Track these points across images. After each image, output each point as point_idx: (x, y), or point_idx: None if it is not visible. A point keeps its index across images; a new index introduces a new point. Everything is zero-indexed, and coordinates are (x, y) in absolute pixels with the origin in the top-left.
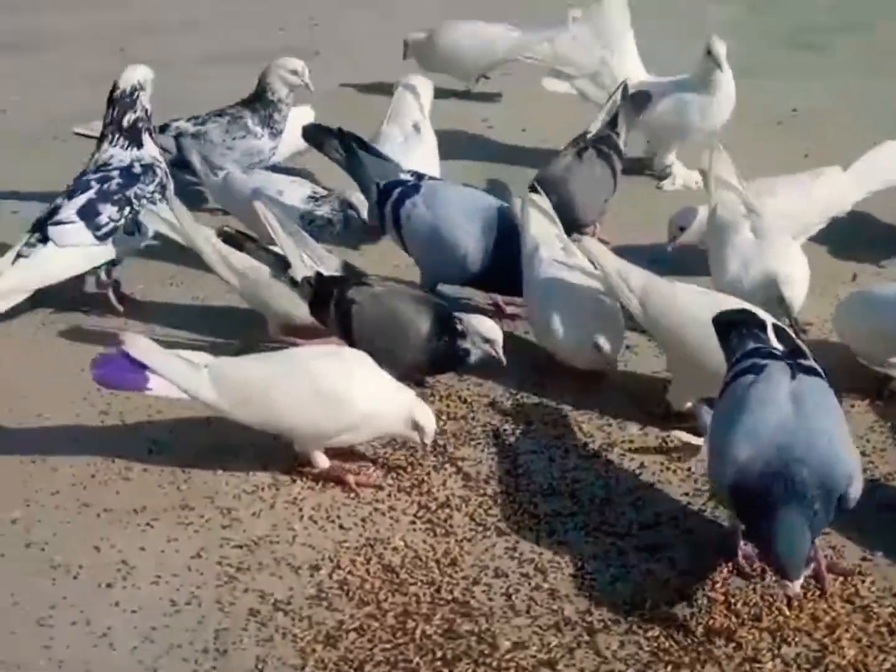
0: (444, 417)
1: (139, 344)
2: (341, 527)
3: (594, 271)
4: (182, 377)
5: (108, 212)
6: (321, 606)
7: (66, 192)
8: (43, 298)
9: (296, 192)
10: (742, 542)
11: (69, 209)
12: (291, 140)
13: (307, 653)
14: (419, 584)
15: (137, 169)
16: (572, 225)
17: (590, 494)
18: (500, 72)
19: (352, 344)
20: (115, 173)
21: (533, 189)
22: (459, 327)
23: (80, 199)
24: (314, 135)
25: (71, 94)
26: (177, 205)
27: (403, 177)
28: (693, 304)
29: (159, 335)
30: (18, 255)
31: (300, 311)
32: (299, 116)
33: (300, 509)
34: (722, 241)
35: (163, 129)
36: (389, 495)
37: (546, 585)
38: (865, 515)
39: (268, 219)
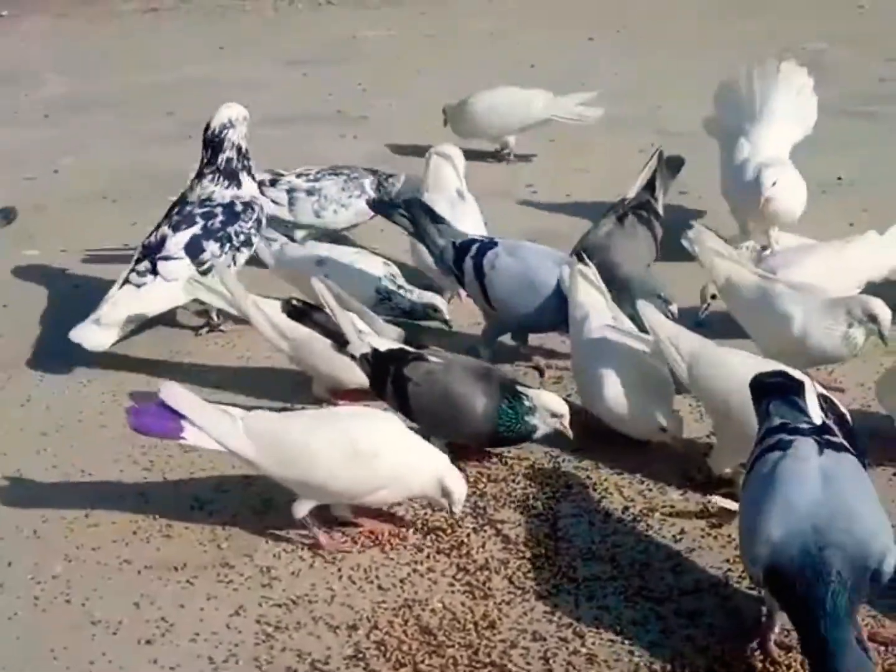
0: (483, 479)
1: (176, 392)
2: (380, 587)
3: (645, 338)
4: (216, 428)
5: (211, 248)
6: (358, 667)
7: (171, 221)
8: (88, 356)
9: (370, 265)
10: (777, 629)
11: (176, 244)
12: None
13: None
14: (457, 646)
15: (238, 207)
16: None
17: (629, 559)
18: (546, 138)
19: (413, 420)
20: (219, 210)
21: (579, 258)
22: (528, 403)
23: (186, 235)
24: (381, 205)
25: (121, 155)
26: (225, 273)
27: (477, 236)
28: (741, 370)
29: (204, 392)
30: (126, 282)
31: (347, 374)
32: None
33: (339, 569)
34: (747, 308)
35: (273, 182)
36: (428, 556)
37: (584, 650)
38: None
39: (324, 294)
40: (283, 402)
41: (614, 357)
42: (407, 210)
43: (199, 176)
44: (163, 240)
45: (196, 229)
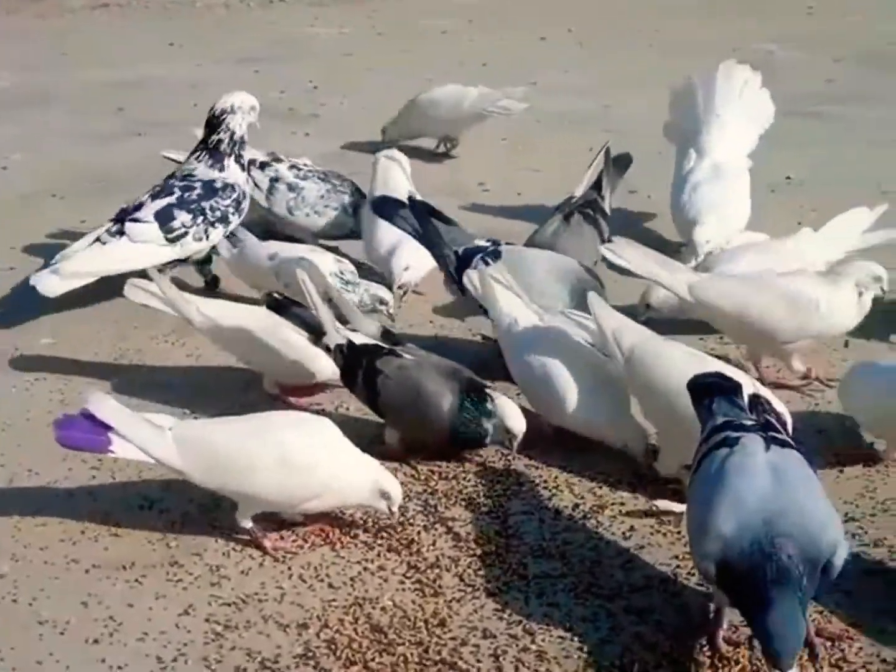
0: (434, 477)
1: (103, 404)
2: (330, 585)
3: (583, 336)
4: (144, 439)
5: (182, 218)
6: (308, 665)
7: (153, 191)
8: (35, 356)
9: (321, 261)
10: (725, 626)
11: (149, 210)
12: None
13: None
14: (407, 644)
15: (218, 184)
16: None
17: (579, 556)
18: (497, 137)
19: (378, 414)
20: (198, 184)
21: (485, 262)
22: (490, 406)
23: (161, 203)
24: (384, 206)
25: (71, 152)
26: (158, 277)
27: (480, 243)
28: (681, 367)
29: (153, 392)
30: (97, 240)
31: (296, 371)
32: None
33: (289, 568)
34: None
35: (263, 166)
36: (379, 555)
37: (534, 647)
38: (854, 580)
39: (306, 284)
40: (232, 399)
41: (563, 363)
42: (412, 210)
43: (192, 153)
44: (139, 206)
45: (171, 199)
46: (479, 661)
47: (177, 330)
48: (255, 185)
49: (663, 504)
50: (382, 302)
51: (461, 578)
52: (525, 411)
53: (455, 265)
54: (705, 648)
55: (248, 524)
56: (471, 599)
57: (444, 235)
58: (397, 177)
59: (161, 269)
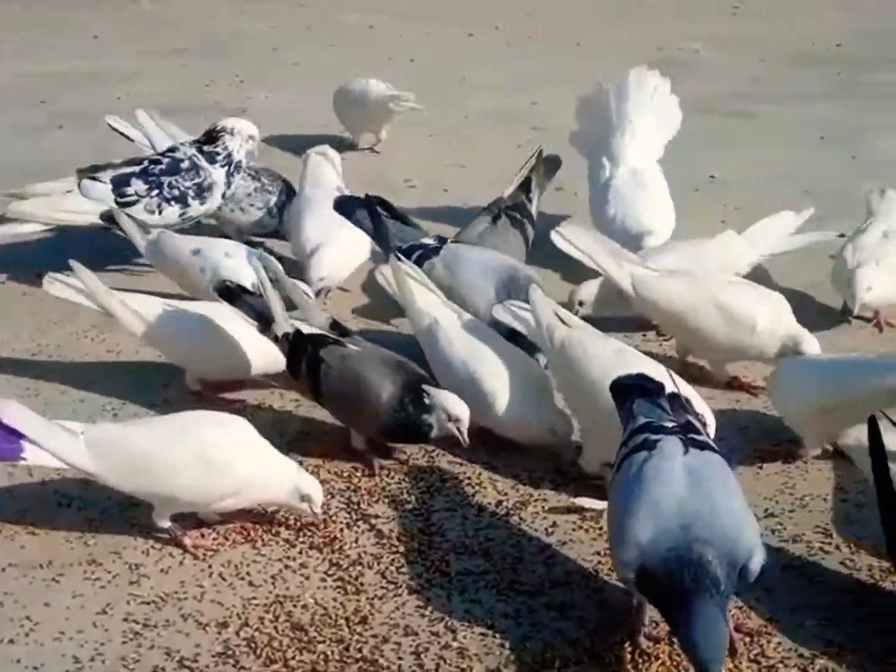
0: (357, 474)
1: (13, 411)
2: (251, 584)
3: (521, 328)
4: (57, 445)
5: (136, 186)
6: (227, 664)
7: (132, 158)
8: None
9: (243, 256)
10: (645, 622)
11: (110, 173)
12: None
13: None
14: (328, 642)
15: (185, 164)
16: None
17: (502, 553)
18: (424, 133)
19: (321, 404)
20: (166, 160)
21: (397, 257)
22: (427, 401)
23: (126, 169)
24: (345, 205)
25: None
26: (80, 269)
27: (425, 241)
28: (605, 365)
29: (72, 388)
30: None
31: (219, 366)
32: None
33: (209, 566)
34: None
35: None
36: (300, 552)
37: (455, 644)
38: (772, 576)
39: (258, 273)
40: (153, 395)
41: (486, 362)
42: (367, 208)
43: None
44: (108, 166)
45: (136, 168)
46: (400, 658)
47: (97, 325)
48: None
49: (584, 501)
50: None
51: (383, 576)
52: None
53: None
54: (626, 644)
55: (167, 524)
56: (393, 597)
57: (395, 233)
58: (327, 173)
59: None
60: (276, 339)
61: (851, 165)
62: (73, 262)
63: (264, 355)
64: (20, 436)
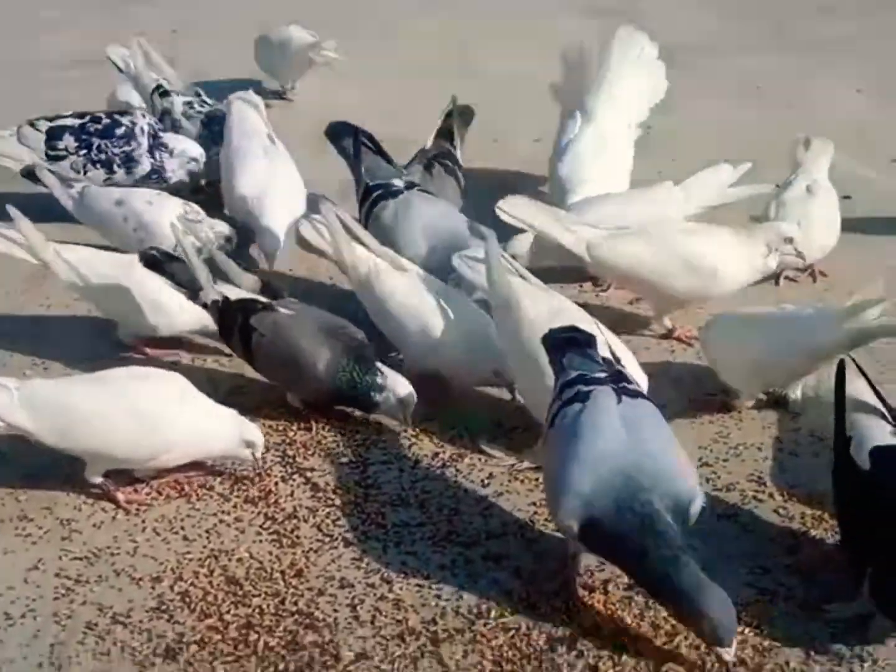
0: (293, 427)
1: None
2: (185, 538)
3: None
4: None
5: (67, 141)
6: (161, 619)
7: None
8: None
9: (167, 206)
10: (580, 571)
11: (49, 123)
12: None
13: (146, 666)
14: (263, 595)
15: (120, 130)
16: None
17: (438, 504)
18: (353, 82)
19: (255, 369)
20: (107, 121)
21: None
22: (380, 380)
23: (66, 122)
24: (336, 131)
25: None
26: (19, 216)
27: (395, 182)
28: (540, 319)
29: (1, 344)
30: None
31: (153, 322)
32: None
33: (143, 521)
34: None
35: (161, 93)
36: (235, 506)
37: (391, 596)
38: (706, 525)
39: (180, 238)
40: (84, 349)
41: (428, 310)
42: (354, 139)
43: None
44: (57, 117)
45: (76, 122)
46: (335, 610)
47: (28, 278)
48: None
49: (488, 448)
50: (228, 240)
51: (319, 529)
52: None
53: (359, 197)
54: (561, 594)
55: (98, 479)
56: (328, 550)
57: (370, 168)
58: (253, 118)
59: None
60: (205, 306)
61: (788, 116)
62: (10, 209)
63: (196, 314)
64: None
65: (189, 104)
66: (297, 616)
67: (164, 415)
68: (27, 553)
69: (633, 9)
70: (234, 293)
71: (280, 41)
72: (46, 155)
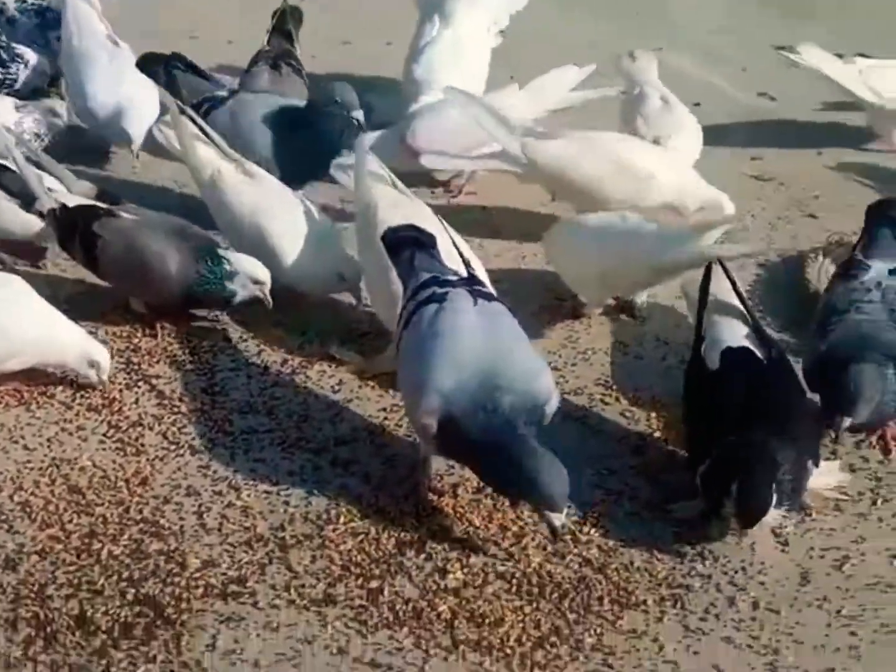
0: (137, 335)
1: None
2: (25, 447)
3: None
4: None
5: None
6: (2, 529)
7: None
8: None
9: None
10: (430, 475)
11: None
12: None
13: None
14: (107, 504)
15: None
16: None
17: (287, 411)
18: None
19: (100, 278)
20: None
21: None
22: (228, 267)
23: None
24: (146, 64)
25: None
26: None
27: (219, 93)
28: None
29: None
30: None
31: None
32: None
33: None
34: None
35: None
36: (78, 415)
37: (239, 503)
38: (554, 427)
39: (9, 147)
40: None
41: (274, 216)
42: (164, 65)
43: None
44: None
45: None
46: (182, 518)
47: None
48: None
49: (341, 355)
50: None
51: (164, 436)
52: None
53: (202, 114)
54: (410, 498)
55: None
56: (174, 457)
57: (190, 87)
58: (89, 16)
59: None
60: (42, 217)
61: (641, 24)
62: None
63: (32, 221)
64: None
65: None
66: (142, 524)
67: (4, 321)
68: None
69: None
70: (72, 200)
71: None
72: None
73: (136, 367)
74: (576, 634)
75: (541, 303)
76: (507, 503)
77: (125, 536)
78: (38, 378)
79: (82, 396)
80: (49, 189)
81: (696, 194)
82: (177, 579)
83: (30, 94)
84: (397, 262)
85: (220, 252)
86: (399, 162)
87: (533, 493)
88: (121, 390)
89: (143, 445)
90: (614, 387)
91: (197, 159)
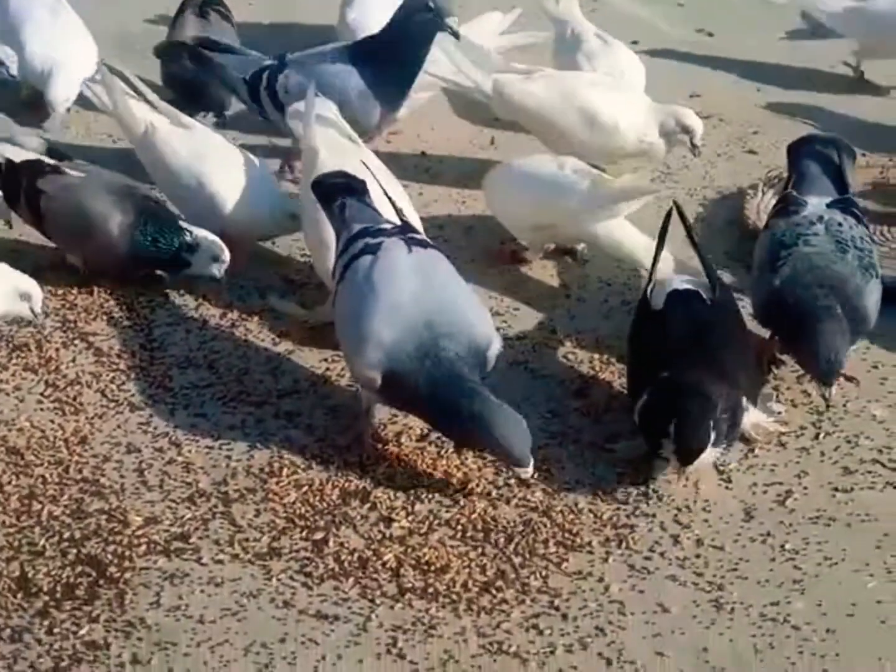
0: (73, 292)
1: None
2: None
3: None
4: None
5: None
6: None
7: None
8: None
9: None
10: (374, 423)
11: None
12: None
13: None
14: (46, 464)
15: None
16: None
17: (228, 365)
18: None
19: (48, 237)
20: None
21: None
22: (188, 238)
23: None
24: (168, 52)
25: None
26: None
27: (267, 62)
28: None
29: None
30: None
31: None
32: None
33: None
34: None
35: None
36: (14, 375)
37: (181, 459)
38: (498, 372)
39: None
40: None
41: (210, 164)
42: (189, 54)
43: None
44: None
45: None
46: (122, 476)
47: None
48: None
49: (281, 307)
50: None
51: (103, 394)
52: None
53: (248, 94)
54: (354, 448)
55: None
56: (114, 415)
57: (233, 68)
58: None
59: None
60: None
61: None
62: None
63: None
64: None
65: None
66: (82, 484)
67: None
68: None
69: None
70: (17, 154)
71: None
72: None
73: (72, 325)
74: (521, 578)
75: (482, 248)
76: (451, 450)
77: (65, 496)
78: None
79: (19, 356)
80: None
81: (666, 123)
82: (119, 538)
83: None
84: (329, 212)
85: (179, 221)
86: None
87: (498, 451)
88: (57, 349)
89: (81, 404)
90: (557, 330)
91: (130, 115)
